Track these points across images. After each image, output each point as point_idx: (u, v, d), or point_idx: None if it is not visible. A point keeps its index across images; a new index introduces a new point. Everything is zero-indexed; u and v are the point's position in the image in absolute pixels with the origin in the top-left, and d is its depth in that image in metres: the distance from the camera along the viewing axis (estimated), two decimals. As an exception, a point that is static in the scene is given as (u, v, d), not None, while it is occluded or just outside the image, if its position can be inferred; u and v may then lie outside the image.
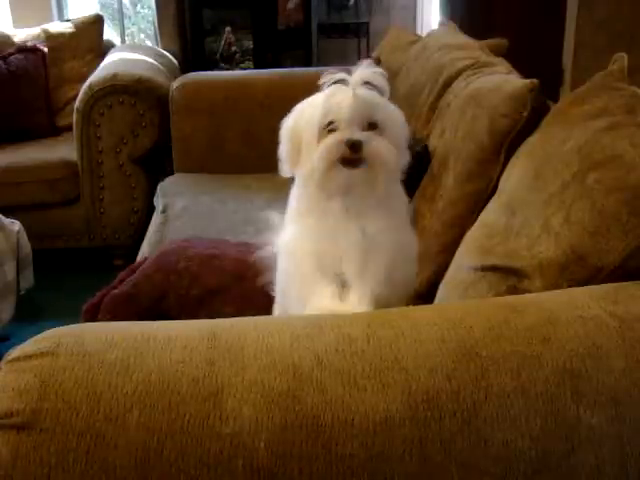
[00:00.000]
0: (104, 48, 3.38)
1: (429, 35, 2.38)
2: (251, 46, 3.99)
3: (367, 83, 0.96)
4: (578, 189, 0.94)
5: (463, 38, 2.14)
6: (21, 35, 3.32)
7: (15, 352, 0.71)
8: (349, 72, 0.97)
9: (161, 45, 3.78)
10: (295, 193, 1.05)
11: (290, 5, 3.97)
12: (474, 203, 1.37)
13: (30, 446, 0.64)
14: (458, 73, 1.75)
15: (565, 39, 3.39)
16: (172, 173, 2.57)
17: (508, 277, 1.00)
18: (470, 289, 1.07)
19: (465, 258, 1.16)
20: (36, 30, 3.32)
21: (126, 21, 4.33)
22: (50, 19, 3.71)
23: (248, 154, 2.53)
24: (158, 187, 2.40)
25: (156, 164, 2.83)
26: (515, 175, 1.17)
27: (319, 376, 0.69)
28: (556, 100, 1.32)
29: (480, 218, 1.23)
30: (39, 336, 0.74)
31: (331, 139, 0.93)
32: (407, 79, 2.13)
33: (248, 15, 3.96)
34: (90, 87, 2.70)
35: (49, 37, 3.28)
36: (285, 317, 1.05)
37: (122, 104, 2.69)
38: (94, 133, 2.71)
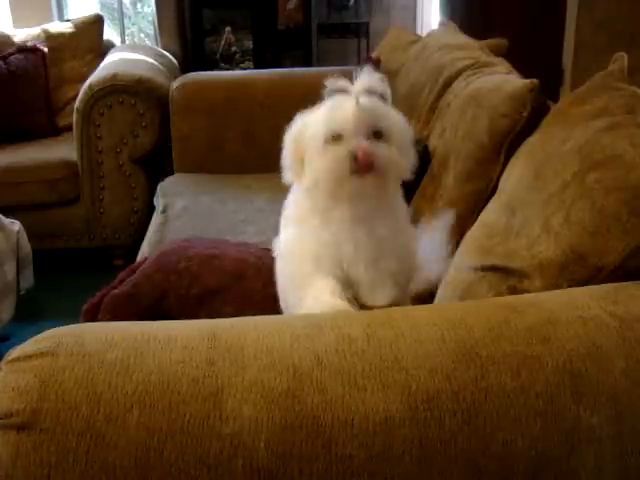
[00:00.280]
0: (104, 48, 3.38)
1: (429, 35, 2.38)
2: (251, 46, 3.99)
3: (369, 90, 0.95)
4: (578, 189, 0.94)
5: (463, 38, 2.14)
6: (21, 35, 3.32)
7: (15, 352, 0.71)
8: (350, 77, 0.96)
9: (161, 45, 3.78)
10: (294, 199, 1.04)
11: (290, 5, 3.97)
12: (474, 203, 1.37)
13: (30, 446, 0.64)
14: (458, 73, 1.76)
15: (565, 39, 3.39)
16: (172, 173, 2.57)
17: (508, 277, 1.00)
18: (470, 289, 1.07)
19: (465, 258, 1.16)
20: (36, 30, 3.32)
21: (126, 21, 4.33)
22: (50, 19, 3.71)
23: (248, 154, 2.53)
24: (158, 187, 2.40)
25: (156, 164, 2.83)
26: (515, 175, 1.17)
27: (319, 376, 0.69)
28: (556, 100, 1.32)
29: (480, 218, 1.23)
30: (39, 336, 0.74)
31: (337, 152, 0.92)
32: (407, 79, 2.13)
33: (248, 15, 3.97)
34: (90, 87, 2.70)
35: (49, 37, 3.28)
36: (285, 317, 1.05)
37: (122, 104, 2.69)
38: (94, 133, 2.71)
